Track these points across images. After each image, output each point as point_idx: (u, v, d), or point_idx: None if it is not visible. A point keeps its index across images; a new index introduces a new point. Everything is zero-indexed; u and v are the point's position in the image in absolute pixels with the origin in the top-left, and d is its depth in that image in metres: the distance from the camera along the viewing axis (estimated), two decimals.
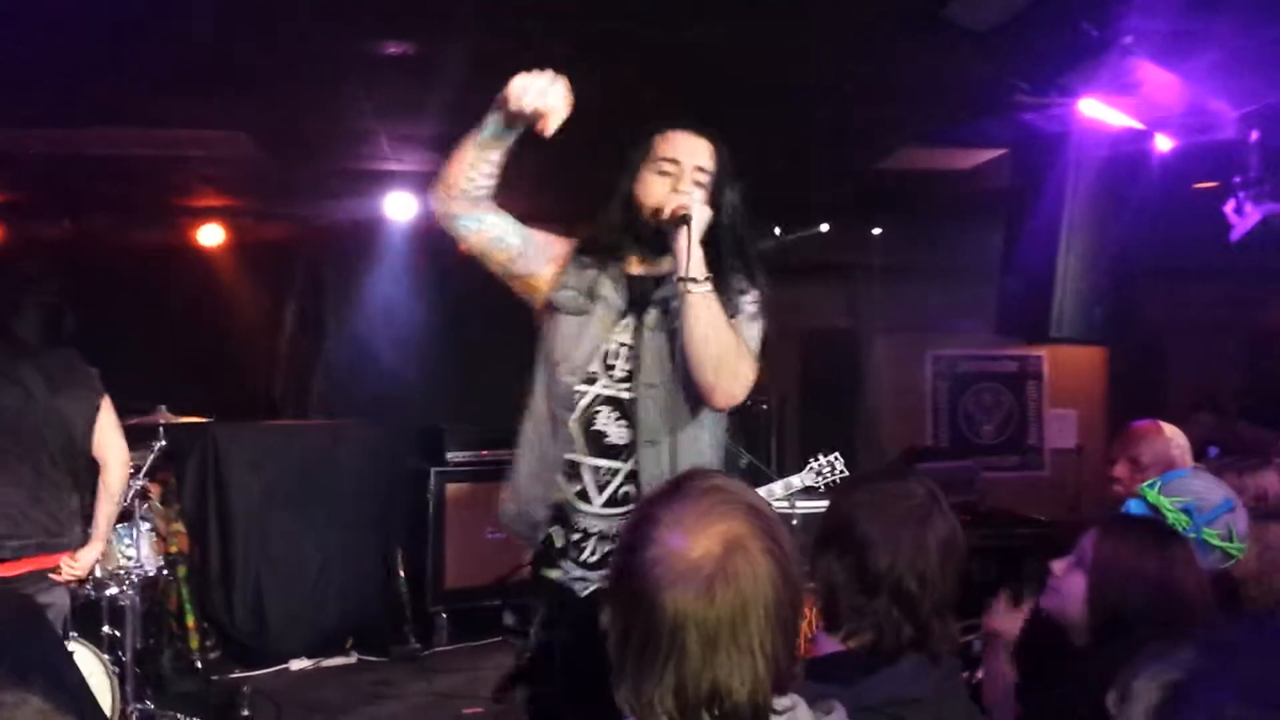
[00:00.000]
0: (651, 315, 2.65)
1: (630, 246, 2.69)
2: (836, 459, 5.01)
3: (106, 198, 6.74)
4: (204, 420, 5.89)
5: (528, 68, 2.44)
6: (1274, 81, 4.33)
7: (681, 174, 2.64)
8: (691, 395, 2.61)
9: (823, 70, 4.43)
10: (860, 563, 1.82)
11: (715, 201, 2.65)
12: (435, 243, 7.32)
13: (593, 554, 2.66)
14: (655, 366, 2.62)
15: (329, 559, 6.41)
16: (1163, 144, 4.54)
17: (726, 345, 2.53)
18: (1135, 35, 3.59)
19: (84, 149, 5.70)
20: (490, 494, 6.20)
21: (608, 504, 2.65)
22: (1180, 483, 2.66)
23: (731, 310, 2.61)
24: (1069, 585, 2.26)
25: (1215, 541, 2.52)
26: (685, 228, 2.51)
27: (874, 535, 1.83)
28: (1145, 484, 2.71)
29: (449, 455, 6.73)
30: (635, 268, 2.70)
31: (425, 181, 6.31)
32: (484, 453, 6.79)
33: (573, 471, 2.65)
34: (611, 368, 2.64)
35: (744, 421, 7.41)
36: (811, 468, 4.98)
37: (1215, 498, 2.57)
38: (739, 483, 1.42)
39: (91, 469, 4.09)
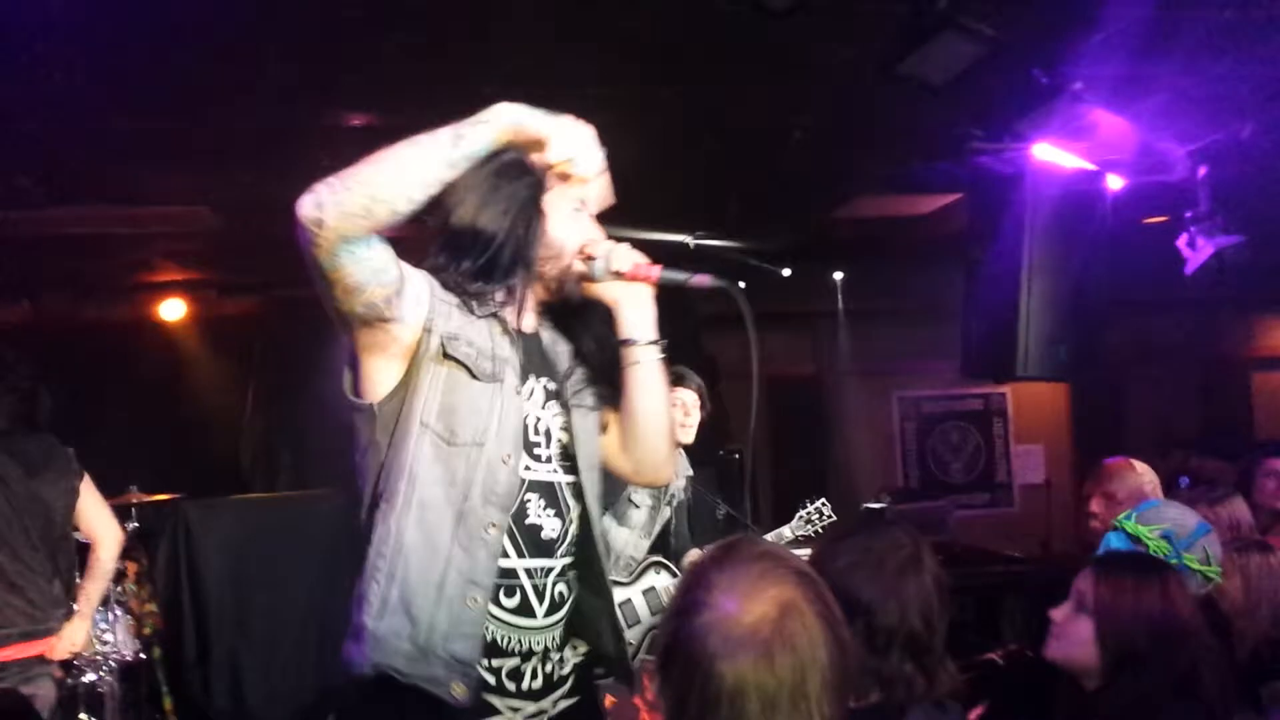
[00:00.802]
0: (571, 389, 2.18)
1: (534, 294, 2.14)
2: (824, 505, 5.02)
3: (65, 276, 6.69)
4: (174, 498, 5.82)
5: None
6: (1219, 119, 4.47)
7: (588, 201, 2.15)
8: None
9: (778, 118, 4.51)
10: (869, 625, 1.82)
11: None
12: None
13: (534, 678, 2.08)
14: (592, 446, 2.19)
15: (306, 634, 6.31)
16: (1114, 183, 4.67)
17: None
18: (1085, 81, 3.70)
19: (42, 228, 5.67)
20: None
21: (549, 612, 2.10)
22: (1155, 512, 2.72)
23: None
24: (1074, 631, 2.27)
25: (1196, 566, 2.57)
26: (647, 278, 2.09)
27: (877, 596, 1.83)
28: (1121, 516, 2.76)
29: None
30: (527, 323, 2.14)
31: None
32: None
33: (509, 582, 2.05)
34: (535, 445, 2.10)
35: (718, 472, 7.43)
36: (800, 516, 4.98)
37: (1191, 523, 2.64)
38: (785, 548, 1.42)
39: (71, 553, 4.02)
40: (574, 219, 2.12)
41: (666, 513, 4.55)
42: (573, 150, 2.01)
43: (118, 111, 4.15)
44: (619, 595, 4.30)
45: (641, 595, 4.45)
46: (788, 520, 5.04)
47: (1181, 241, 4.78)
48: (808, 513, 4.97)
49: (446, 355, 2.00)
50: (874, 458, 9.03)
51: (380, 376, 2.00)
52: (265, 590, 6.22)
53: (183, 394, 7.11)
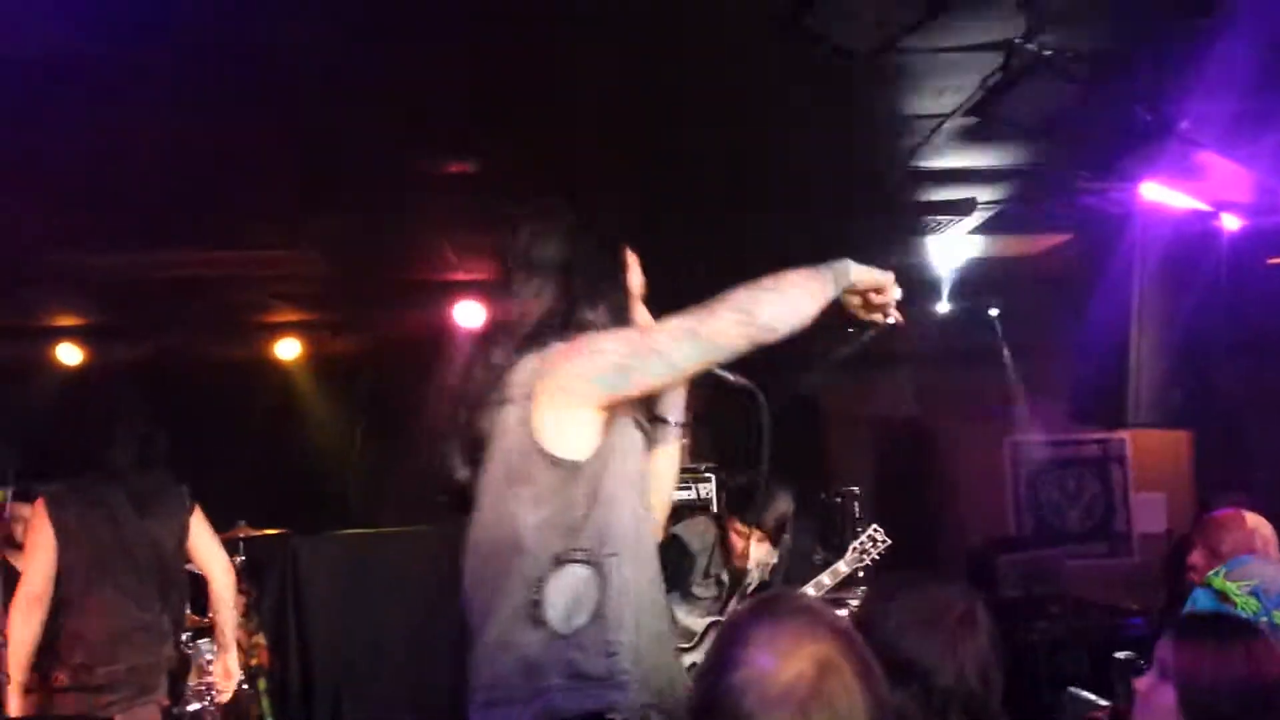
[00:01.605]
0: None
1: None
2: (876, 531, 4.89)
3: (184, 316, 6.95)
4: (282, 532, 5.96)
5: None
6: None
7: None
8: None
9: (870, 158, 4.46)
10: (925, 688, 1.78)
11: None
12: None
13: None
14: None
15: (408, 669, 6.39)
16: (1231, 223, 4.49)
17: (673, 488, 2.47)
18: (1193, 119, 3.58)
19: (162, 271, 5.91)
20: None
21: None
22: (1246, 568, 2.60)
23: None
24: (1158, 699, 2.18)
25: None
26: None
27: (933, 657, 1.79)
28: (1212, 572, 2.64)
29: None
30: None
31: (488, 289, 6.54)
32: None
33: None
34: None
35: (823, 515, 7.31)
36: (854, 548, 4.87)
37: None
38: (825, 604, 1.40)
39: (184, 587, 4.17)
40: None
41: (734, 602, 4.46)
42: (891, 295, 2.28)
43: (222, 154, 4.30)
44: (685, 660, 4.20)
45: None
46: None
47: None
48: (860, 543, 4.85)
49: (637, 422, 2.23)
50: (985, 504, 8.79)
51: (588, 432, 2.12)
52: (369, 624, 6.34)
53: (295, 431, 7.30)
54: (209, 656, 4.74)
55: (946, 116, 3.70)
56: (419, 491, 7.25)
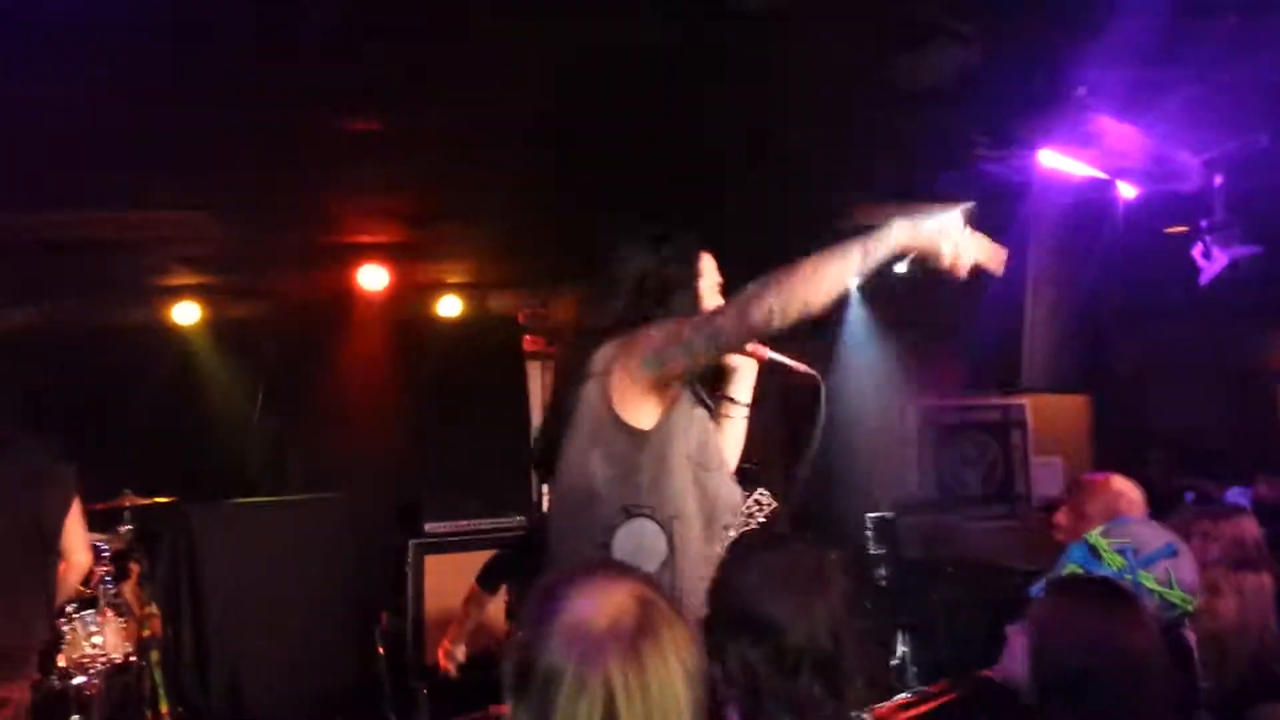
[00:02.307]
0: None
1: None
2: (762, 494, 4.95)
3: (77, 280, 6.71)
4: (174, 501, 5.81)
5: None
6: (1234, 127, 4.36)
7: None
8: None
9: (775, 130, 4.44)
10: (777, 646, 1.78)
11: None
12: (406, 312, 7.35)
13: None
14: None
15: (307, 638, 6.29)
16: (1127, 191, 4.57)
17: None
18: (1092, 87, 3.61)
19: (51, 232, 5.68)
20: (472, 564, 6.12)
21: None
22: (1126, 528, 2.64)
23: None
24: (1014, 646, 2.22)
25: (1152, 585, 2.45)
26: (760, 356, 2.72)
27: (785, 614, 1.79)
28: (1095, 529, 2.68)
29: (427, 526, 6.64)
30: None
31: (394, 252, 6.44)
32: (464, 523, 6.71)
33: None
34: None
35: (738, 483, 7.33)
36: (741, 513, 4.90)
37: (1155, 542, 2.53)
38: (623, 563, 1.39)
39: (55, 569, 4.02)
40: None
41: None
42: (956, 245, 2.47)
43: (119, 115, 4.13)
44: None
45: None
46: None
47: (1197, 251, 4.67)
48: (747, 507, 4.89)
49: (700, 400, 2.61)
50: (889, 469, 8.90)
51: (649, 407, 2.49)
52: (266, 593, 6.22)
53: (194, 397, 7.10)
54: (93, 628, 4.61)
55: (845, 84, 3.68)
56: (321, 459, 7.18)
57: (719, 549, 2.52)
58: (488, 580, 4.59)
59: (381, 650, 6.51)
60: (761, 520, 4.79)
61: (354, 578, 6.58)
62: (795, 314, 2.30)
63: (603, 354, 2.54)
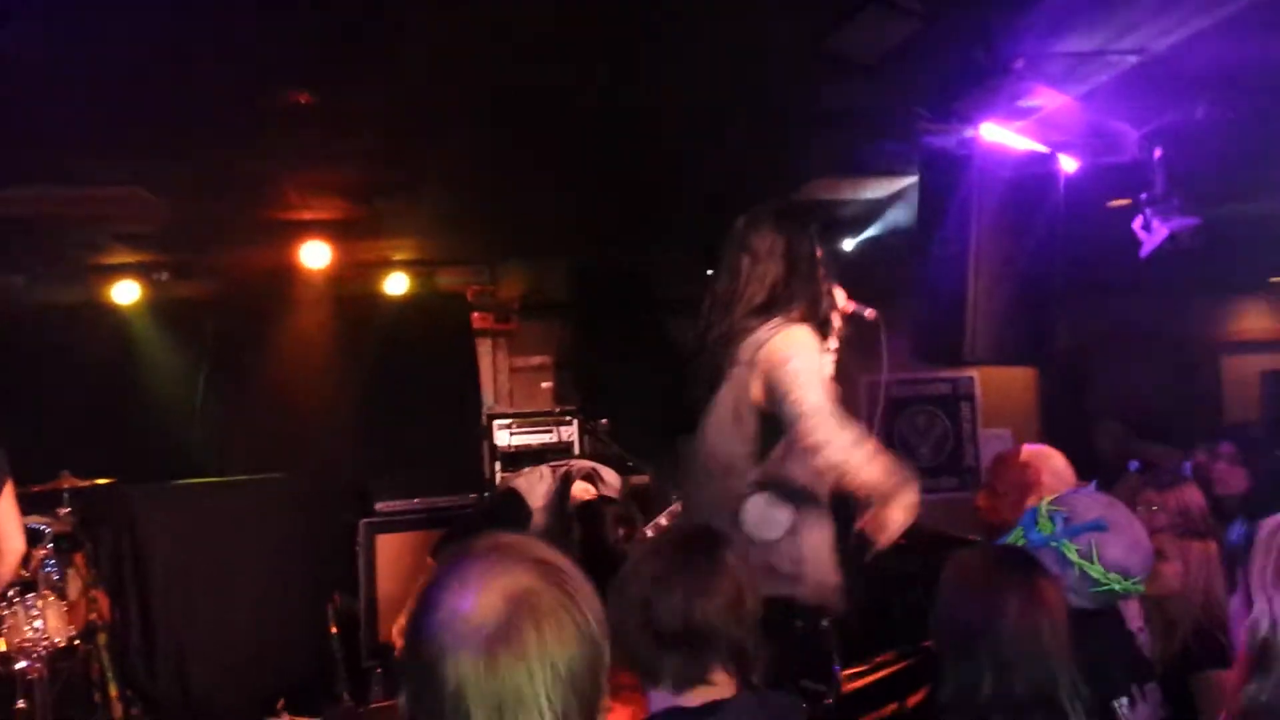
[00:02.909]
0: None
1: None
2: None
3: (15, 259, 6.57)
4: (116, 483, 5.73)
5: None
6: (1172, 99, 4.39)
7: None
8: None
9: (723, 106, 4.42)
10: (656, 628, 1.84)
11: None
12: (352, 289, 7.27)
13: None
14: None
15: (256, 619, 6.24)
16: (1068, 165, 4.58)
17: None
18: (1027, 59, 3.62)
19: None
20: (423, 542, 6.06)
21: None
22: (1073, 498, 2.66)
23: None
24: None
25: (1072, 556, 2.46)
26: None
27: (668, 595, 1.85)
28: (1046, 497, 2.71)
29: (377, 505, 6.60)
30: None
31: (337, 228, 6.34)
32: (415, 501, 6.68)
33: None
34: None
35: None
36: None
37: (1087, 515, 2.53)
38: (532, 539, 1.35)
39: None
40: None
41: None
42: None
43: (51, 89, 4.04)
44: None
45: None
46: None
47: (1137, 224, 4.70)
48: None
49: None
50: None
51: None
52: (214, 574, 6.16)
53: (135, 377, 6.99)
54: (34, 612, 4.55)
55: (790, 50, 3.66)
56: (267, 438, 7.09)
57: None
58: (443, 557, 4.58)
59: (335, 630, 6.47)
60: (603, 439, 4.87)
61: (304, 558, 6.53)
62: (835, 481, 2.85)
63: (753, 344, 2.92)
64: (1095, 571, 2.46)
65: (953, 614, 2.16)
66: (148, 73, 3.95)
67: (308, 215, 6.01)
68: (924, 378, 9.12)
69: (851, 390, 9.74)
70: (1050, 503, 2.61)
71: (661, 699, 1.87)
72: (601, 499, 4.65)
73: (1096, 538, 2.47)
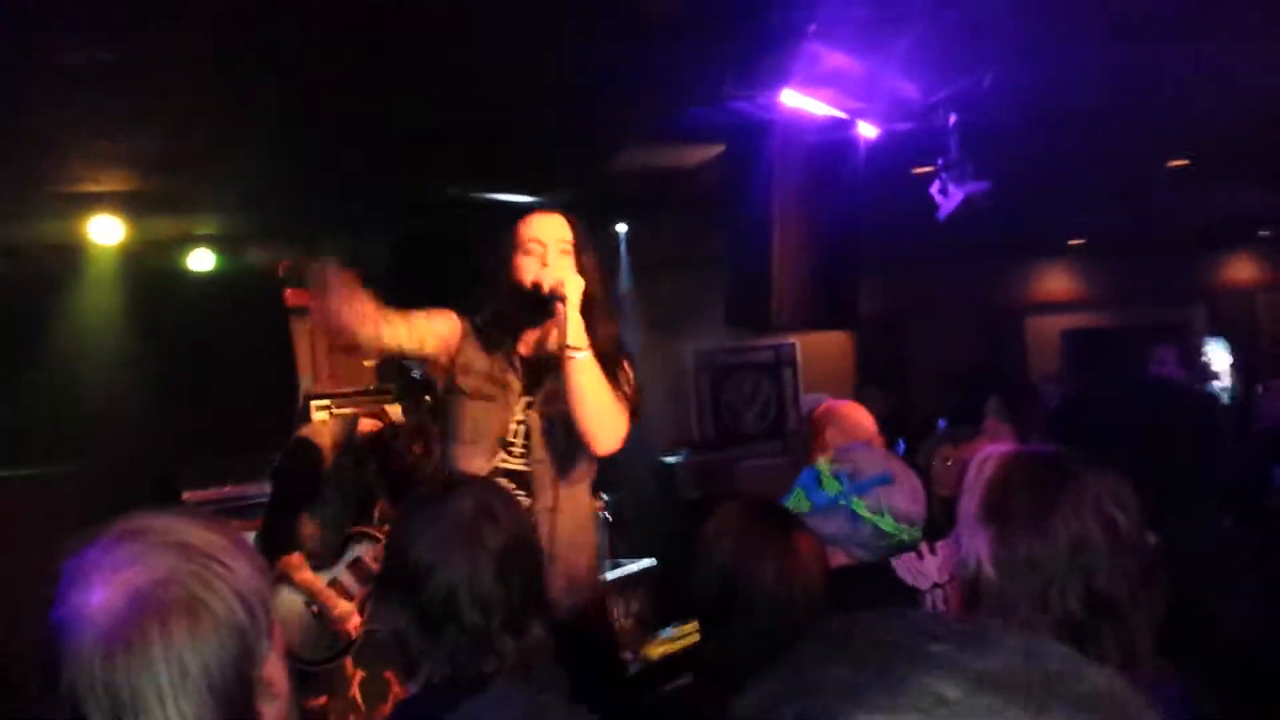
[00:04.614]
0: (539, 400, 2.97)
1: (521, 327, 3.03)
2: None
3: None
4: None
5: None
6: (963, 64, 4.50)
7: (547, 250, 2.98)
8: (571, 461, 2.96)
9: (523, 71, 4.32)
10: (420, 601, 1.72)
11: (580, 268, 2.97)
12: (149, 266, 6.88)
13: None
14: (543, 446, 2.94)
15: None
16: (867, 131, 4.66)
17: (605, 403, 2.84)
18: (821, 24, 3.64)
19: None
20: (238, 530, 5.81)
21: None
22: (851, 453, 2.68)
23: (611, 369, 2.92)
24: None
25: (864, 513, 2.49)
26: (562, 301, 2.84)
27: (425, 565, 1.73)
28: (823, 456, 2.72)
29: (185, 495, 6.29)
30: (525, 348, 3.04)
31: (128, 201, 5.98)
32: (227, 488, 6.40)
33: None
34: (511, 445, 2.95)
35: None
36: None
37: (872, 470, 2.55)
38: (184, 520, 1.24)
39: None
40: (528, 263, 2.99)
41: None
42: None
43: None
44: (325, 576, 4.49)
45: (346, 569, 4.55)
46: None
47: (934, 189, 4.82)
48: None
49: (461, 388, 2.98)
50: (669, 411, 9.02)
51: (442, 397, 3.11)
52: (5, 579, 5.75)
53: None
54: None
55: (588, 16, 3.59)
56: (61, 427, 6.65)
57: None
58: (271, 551, 4.42)
59: None
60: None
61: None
62: None
63: None
64: (887, 525, 2.49)
65: (709, 571, 2.13)
66: None
67: (95, 188, 5.65)
68: (748, 346, 9.26)
69: (679, 359, 9.80)
70: (830, 461, 2.62)
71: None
72: (389, 425, 4.67)
73: (883, 491, 2.50)
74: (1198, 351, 8.65)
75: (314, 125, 5.06)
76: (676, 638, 4.14)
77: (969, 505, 1.68)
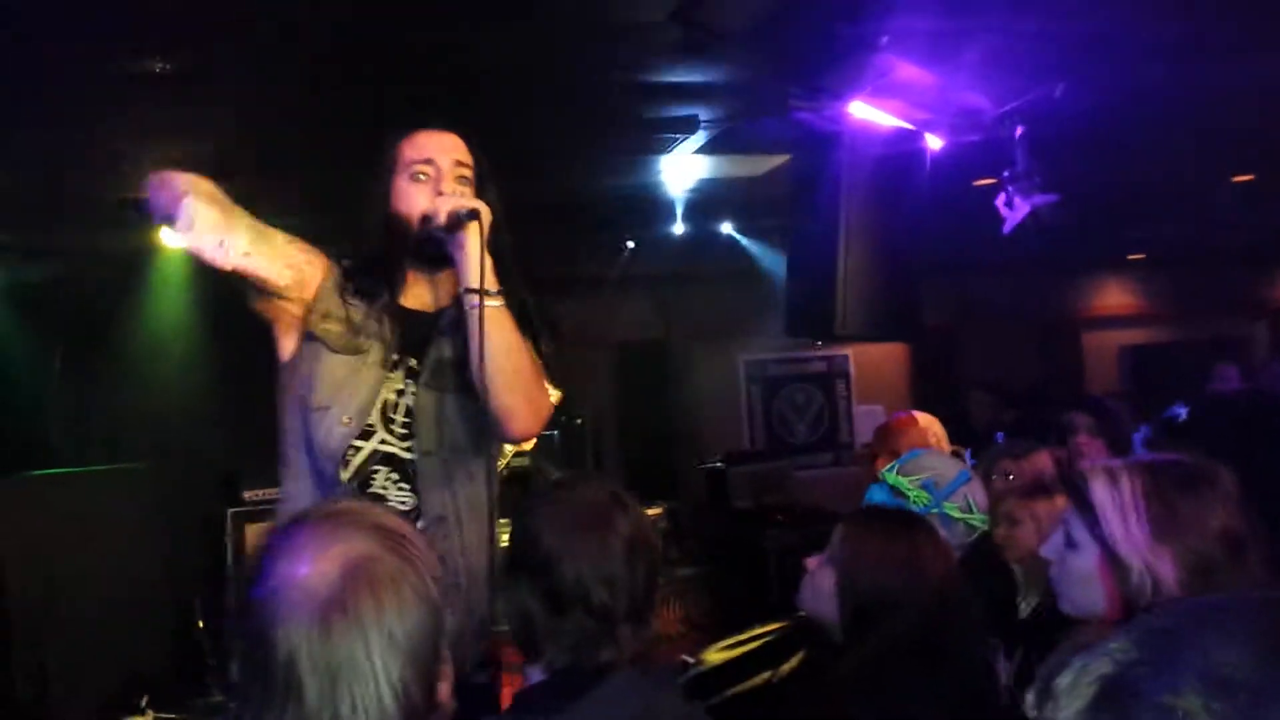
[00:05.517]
0: (427, 368, 2.31)
1: (404, 269, 2.34)
2: None
3: None
4: None
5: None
6: (1033, 77, 4.49)
7: (441, 174, 2.31)
8: (470, 454, 2.31)
9: (583, 73, 4.36)
10: (549, 582, 1.74)
11: (484, 203, 2.24)
12: (214, 270, 6.98)
13: None
14: (432, 430, 2.29)
15: (118, 615, 5.99)
16: (933, 143, 4.65)
17: (524, 367, 2.20)
18: (892, 36, 3.65)
19: None
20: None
21: None
22: (918, 461, 2.72)
23: (527, 327, 2.27)
24: (819, 580, 2.23)
25: (956, 514, 2.58)
26: (471, 228, 2.16)
27: (557, 549, 1.75)
28: (885, 468, 2.75)
29: (246, 495, 6.39)
30: (409, 300, 2.36)
31: None
32: None
33: None
34: (391, 421, 2.28)
35: (562, 439, 7.33)
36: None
37: (951, 472, 2.65)
38: (372, 504, 1.31)
39: None
40: (416, 191, 2.32)
41: None
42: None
43: None
44: None
45: None
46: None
47: (1000, 201, 4.80)
48: None
49: (316, 333, 2.32)
50: (720, 421, 9.04)
51: (284, 348, 2.44)
52: (72, 570, 5.89)
53: None
54: None
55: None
56: (127, 426, 6.82)
57: None
58: None
59: (201, 624, 6.26)
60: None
61: (168, 550, 6.30)
62: None
63: None
64: (976, 520, 2.58)
65: (871, 584, 2.14)
66: None
67: None
68: (801, 356, 9.26)
69: (731, 369, 9.82)
70: (900, 475, 2.66)
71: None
72: None
73: (967, 489, 2.59)
74: (1262, 368, 8.54)
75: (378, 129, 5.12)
76: (743, 640, 4.14)
77: (1128, 526, 1.69)
